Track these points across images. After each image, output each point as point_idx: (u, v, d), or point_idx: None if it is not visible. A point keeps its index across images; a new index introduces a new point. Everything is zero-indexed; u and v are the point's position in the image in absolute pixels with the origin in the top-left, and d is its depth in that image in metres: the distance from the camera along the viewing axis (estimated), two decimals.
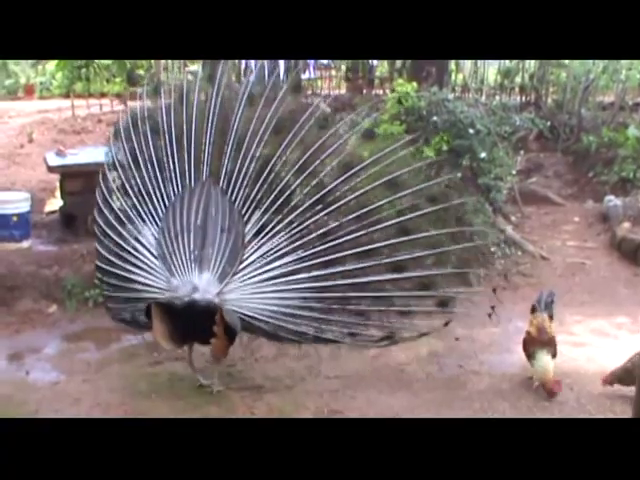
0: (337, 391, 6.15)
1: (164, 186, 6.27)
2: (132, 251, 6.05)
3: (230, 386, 6.17)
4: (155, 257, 5.96)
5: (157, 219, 6.16)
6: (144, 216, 6.19)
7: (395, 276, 6.00)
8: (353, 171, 6.02)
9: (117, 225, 6.22)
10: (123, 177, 6.38)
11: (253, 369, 6.55)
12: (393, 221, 6.00)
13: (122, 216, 6.23)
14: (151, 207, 6.20)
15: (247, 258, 5.93)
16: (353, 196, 5.99)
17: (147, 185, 6.27)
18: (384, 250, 5.98)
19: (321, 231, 5.94)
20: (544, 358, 6.18)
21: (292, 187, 6.05)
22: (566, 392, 6.17)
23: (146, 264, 5.97)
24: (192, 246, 5.90)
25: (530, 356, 6.30)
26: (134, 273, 5.98)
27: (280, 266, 5.88)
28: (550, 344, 6.26)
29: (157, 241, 6.03)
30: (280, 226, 5.97)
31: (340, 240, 5.91)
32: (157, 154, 6.37)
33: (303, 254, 5.90)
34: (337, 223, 5.96)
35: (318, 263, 5.90)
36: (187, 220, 6.03)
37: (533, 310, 6.54)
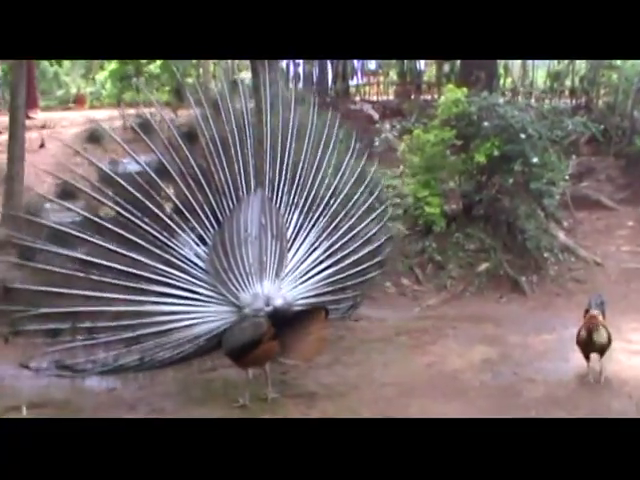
0: (391, 399, 6.09)
1: (213, 199, 6.30)
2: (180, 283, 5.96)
3: (284, 393, 6.17)
4: (202, 280, 5.95)
5: (205, 236, 6.17)
6: (187, 236, 6.14)
7: (370, 248, 6.98)
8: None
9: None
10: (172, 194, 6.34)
11: (307, 376, 6.53)
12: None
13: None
14: (197, 225, 6.19)
15: (291, 259, 6.24)
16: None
17: (191, 200, 6.25)
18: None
19: (335, 222, 6.66)
20: (602, 332, 6.25)
21: (315, 187, 6.69)
22: (625, 400, 6.04)
23: (194, 290, 5.94)
24: (250, 258, 5.96)
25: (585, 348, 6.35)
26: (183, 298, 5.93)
27: (313, 261, 6.35)
28: (604, 326, 6.30)
29: (208, 260, 6.03)
30: (311, 224, 6.53)
31: (344, 227, 6.69)
32: (201, 165, 6.41)
33: (326, 245, 6.51)
34: (344, 212, 6.78)
35: (335, 250, 6.55)
36: (244, 233, 6.09)
37: (586, 313, 6.46)
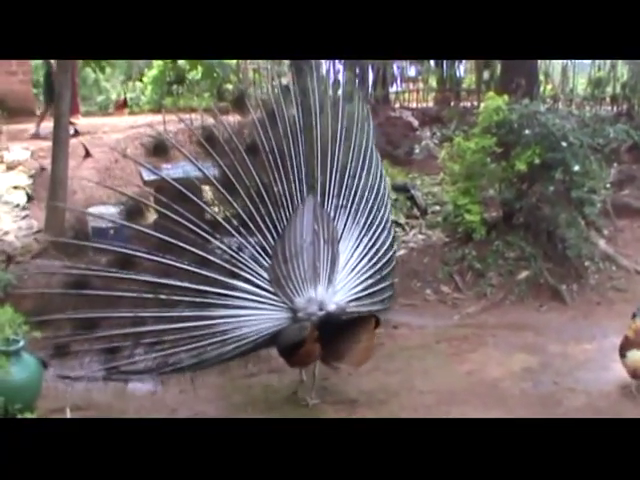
0: (431, 406, 6.11)
1: (274, 211, 6.28)
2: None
3: (325, 399, 6.21)
4: (264, 289, 5.98)
5: (267, 248, 6.16)
6: (252, 250, 6.11)
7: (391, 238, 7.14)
8: None
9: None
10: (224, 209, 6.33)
11: (347, 383, 6.56)
12: None
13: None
14: (260, 237, 6.17)
15: (342, 262, 6.32)
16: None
17: (254, 212, 6.20)
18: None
19: (372, 216, 6.76)
20: (637, 356, 6.21)
21: (360, 186, 6.76)
22: None
23: (257, 300, 5.96)
24: (306, 264, 6.05)
25: (623, 355, 6.32)
26: (244, 308, 5.93)
27: (357, 258, 6.44)
28: None
29: (270, 269, 6.06)
30: (354, 222, 6.60)
31: (378, 219, 6.81)
32: (262, 176, 6.36)
33: (366, 241, 6.61)
34: (377, 205, 6.88)
35: (372, 244, 6.64)
36: (300, 241, 6.15)
37: (634, 316, 6.42)
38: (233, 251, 6.01)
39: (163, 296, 5.77)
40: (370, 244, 6.60)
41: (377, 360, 6.49)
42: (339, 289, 6.12)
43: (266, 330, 5.87)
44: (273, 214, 6.26)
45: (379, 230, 6.77)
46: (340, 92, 7.41)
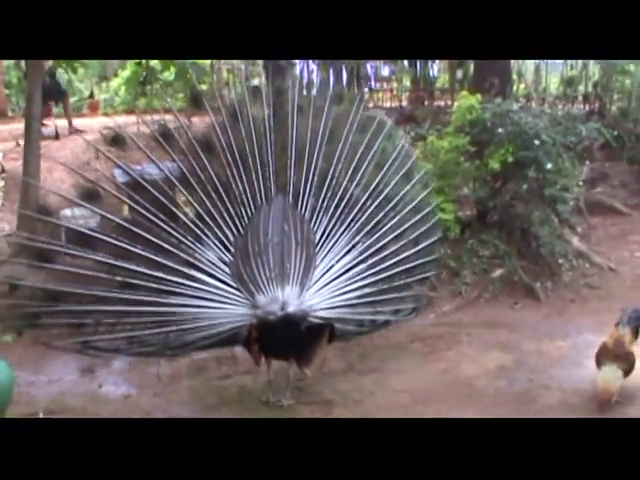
0: (407, 406, 6.11)
1: (232, 207, 6.30)
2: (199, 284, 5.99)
3: (300, 400, 6.19)
4: (225, 283, 5.98)
5: (227, 243, 6.18)
6: (209, 242, 6.16)
7: (416, 249, 6.76)
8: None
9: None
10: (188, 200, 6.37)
11: (322, 383, 6.54)
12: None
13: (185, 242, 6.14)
14: (218, 231, 6.20)
15: (319, 264, 6.20)
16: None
17: (211, 208, 6.26)
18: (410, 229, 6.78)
19: (372, 223, 6.53)
20: (610, 373, 6.00)
21: (350, 190, 6.56)
22: None
23: (217, 293, 5.97)
24: (272, 263, 5.98)
25: (600, 365, 6.13)
26: (204, 299, 5.95)
27: (345, 264, 6.29)
28: (624, 360, 6.05)
29: (232, 264, 6.06)
30: (343, 227, 6.43)
31: (385, 228, 6.57)
32: (219, 173, 6.40)
33: (361, 247, 6.41)
34: (382, 213, 6.62)
35: (372, 252, 6.44)
36: (264, 239, 6.10)
37: (617, 324, 6.38)
38: (189, 241, 6.06)
39: (119, 277, 5.87)
40: (370, 252, 6.42)
41: (352, 360, 6.50)
42: (314, 293, 6.00)
43: (229, 324, 5.84)
44: (232, 210, 6.27)
45: (386, 239, 6.54)
46: (329, 94, 7.29)
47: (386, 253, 6.52)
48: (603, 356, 6.13)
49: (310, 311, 5.86)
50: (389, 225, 6.61)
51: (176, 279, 5.90)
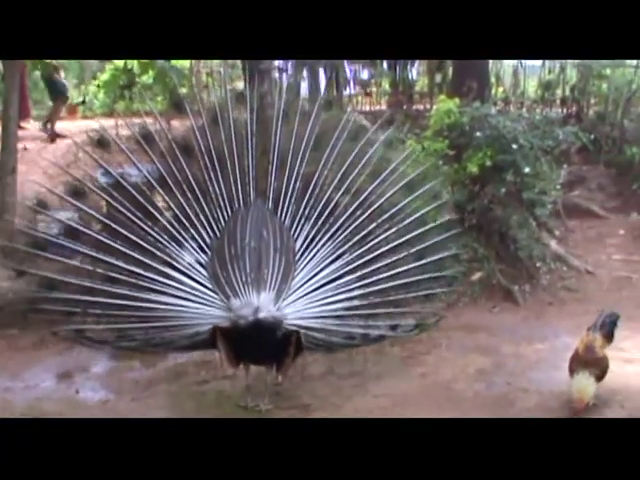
0: (386, 409, 6.10)
1: (208, 210, 6.32)
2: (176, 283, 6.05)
3: (278, 404, 6.17)
4: (202, 284, 6.01)
5: (203, 245, 6.22)
6: (185, 243, 6.21)
7: (419, 263, 6.48)
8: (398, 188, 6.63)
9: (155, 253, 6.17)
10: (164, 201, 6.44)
11: (300, 388, 6.54)
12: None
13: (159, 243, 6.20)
14: (195, 233, 6.24)
15: (299, 272, 6.14)
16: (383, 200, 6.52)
17: (187, 210, 6.30)
18: (411, 242, 6.51)
19: (363, 233, 6.36)
20: (583, 381, 5.94)
21: (335, 198, 6.45)
22: (617, 410, 6.05)
23: (193, 293, 5.99)
24: (248, 268, 5.95)
25: (572, 373, 6.08)
26: (181, 298, 5.99)
27: (329, 273, 6.19)
28: (596, 365, 6.00)
29: (209, 266, 6.08)
30: (327, 236, 6.31)
31: (378, 239, 6.38)
32: (196, 176, 6.43)
33: (348, 257, 6.27)
34: (375, 224, 6.42)
35: (362, 263, 6.28)
36: (241, 243, 6.08)
37: (588, 329, 6.35)
38: (166, 240, 6.14)
39: (100, 270, 6.07)
40: (358, 263, 6.25)
41: (331, 364, 6.48)
42: (292, 301, 5.93)
43: (206, 325, 5.85)
44: (209, 213, 6.30)
45: (379, 250, 6.35)
46: (318, 100, 7.31)
47: (378, 265, 6.32)
48: (575, 363, 6.11)
49: (284, 318, 5.80)
50: (383, 236, 6.40)
51: (154, 276, 6.00)
